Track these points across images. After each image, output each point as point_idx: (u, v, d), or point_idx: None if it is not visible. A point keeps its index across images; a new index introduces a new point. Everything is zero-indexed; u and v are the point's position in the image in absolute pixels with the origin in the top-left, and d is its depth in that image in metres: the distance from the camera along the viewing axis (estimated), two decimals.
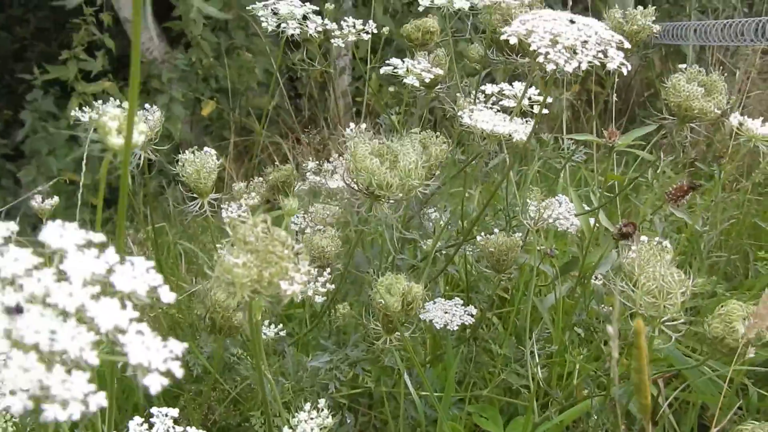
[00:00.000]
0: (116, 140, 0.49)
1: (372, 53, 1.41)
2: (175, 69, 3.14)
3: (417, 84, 0.98)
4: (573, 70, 0.76)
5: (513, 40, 0.79)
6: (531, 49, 0.78)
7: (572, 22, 0.80)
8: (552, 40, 0.77)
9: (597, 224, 1.16)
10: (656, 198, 1.14)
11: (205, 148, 0.94)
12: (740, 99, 3.04)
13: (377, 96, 3.57)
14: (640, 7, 1.11)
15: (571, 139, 1.16)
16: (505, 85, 1.02)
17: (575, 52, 0.78)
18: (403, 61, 1.01)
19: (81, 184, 1.49)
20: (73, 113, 1.10)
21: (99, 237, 0.41)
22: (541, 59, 0.77)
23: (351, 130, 1.03)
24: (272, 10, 1.08)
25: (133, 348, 0.36)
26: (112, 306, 0.37)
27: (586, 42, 0.78)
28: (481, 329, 1.15)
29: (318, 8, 1.11)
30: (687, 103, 0.90)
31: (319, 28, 1.08)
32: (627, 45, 0.79)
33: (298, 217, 1.11)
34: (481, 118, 0.94)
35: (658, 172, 1.17)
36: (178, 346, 0.38)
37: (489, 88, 1.00)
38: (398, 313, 0.86)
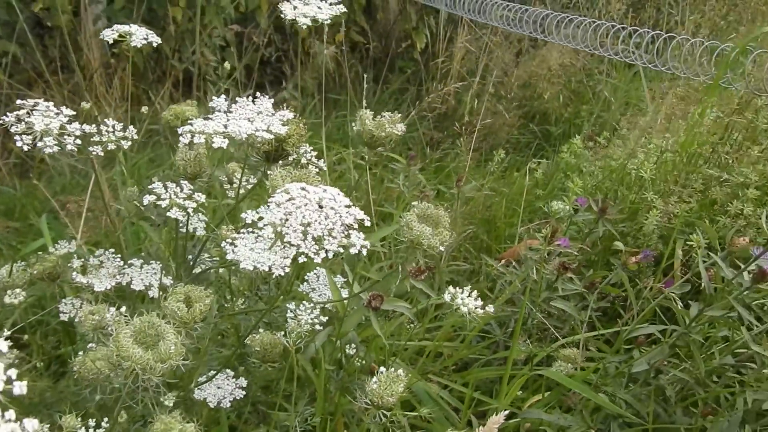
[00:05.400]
0: None
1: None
2: None
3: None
4: (321, 260, 0.88)
5: (269, 232, 0.89)
6: (285, 240, 0.88)
7: (320, 207, 0.91)
8: (303, 231, 0.88)
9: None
10: None
11: None
12: (485, 60, 3.35)
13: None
14: (388, 114, 1.23)
15: None
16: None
17: (322, 238, 0.89)
18: (166, 189, 1.05)
19: None
20: None
21: None
22: (293, 251, 0.88)
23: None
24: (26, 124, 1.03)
25: None
26: None
27: (332, 229, 0.90)
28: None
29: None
30: (418, 240, 1.06)
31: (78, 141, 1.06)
32: (367, 223, 0.92)
33: None
34: (243, 253, 1.03)
35: None
36: None
37: (249, 215, 1.07)
38: None
